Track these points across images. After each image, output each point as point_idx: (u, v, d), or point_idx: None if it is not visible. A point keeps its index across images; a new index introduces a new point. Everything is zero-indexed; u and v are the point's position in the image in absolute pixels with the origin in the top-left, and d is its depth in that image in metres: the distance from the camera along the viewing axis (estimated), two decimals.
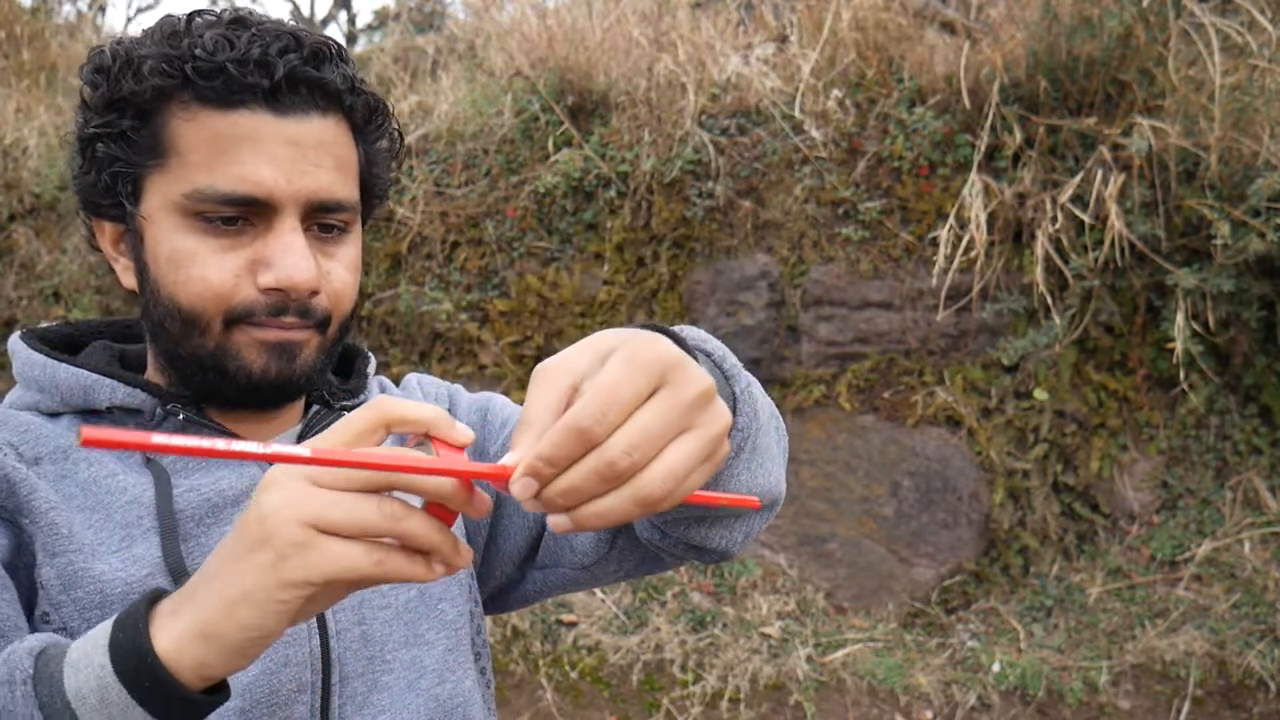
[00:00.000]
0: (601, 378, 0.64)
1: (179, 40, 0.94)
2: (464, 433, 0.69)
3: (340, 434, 0.69)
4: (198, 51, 0.92)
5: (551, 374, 0.67)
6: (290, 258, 0.93)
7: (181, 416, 0.98)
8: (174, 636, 0.68)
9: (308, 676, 0.94)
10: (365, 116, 1.00)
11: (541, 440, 0.63)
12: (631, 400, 0.64)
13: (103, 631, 0.72)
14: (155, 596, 0.72)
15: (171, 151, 0.94)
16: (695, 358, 0.79)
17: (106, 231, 1.02)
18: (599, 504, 0.64)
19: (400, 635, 1.00)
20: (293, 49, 0.93)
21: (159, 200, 0.95)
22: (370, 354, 1.15)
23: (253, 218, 0.94)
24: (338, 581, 0.67)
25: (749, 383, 0.85)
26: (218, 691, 0.72)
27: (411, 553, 0.68)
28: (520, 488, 0.64)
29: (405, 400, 0.69)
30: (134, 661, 0.69)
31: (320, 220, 0.97)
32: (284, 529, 0.65)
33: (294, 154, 0.93)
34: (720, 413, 0.68)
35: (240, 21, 0.95)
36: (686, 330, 0.85)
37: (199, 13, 0.96)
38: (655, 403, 0.65)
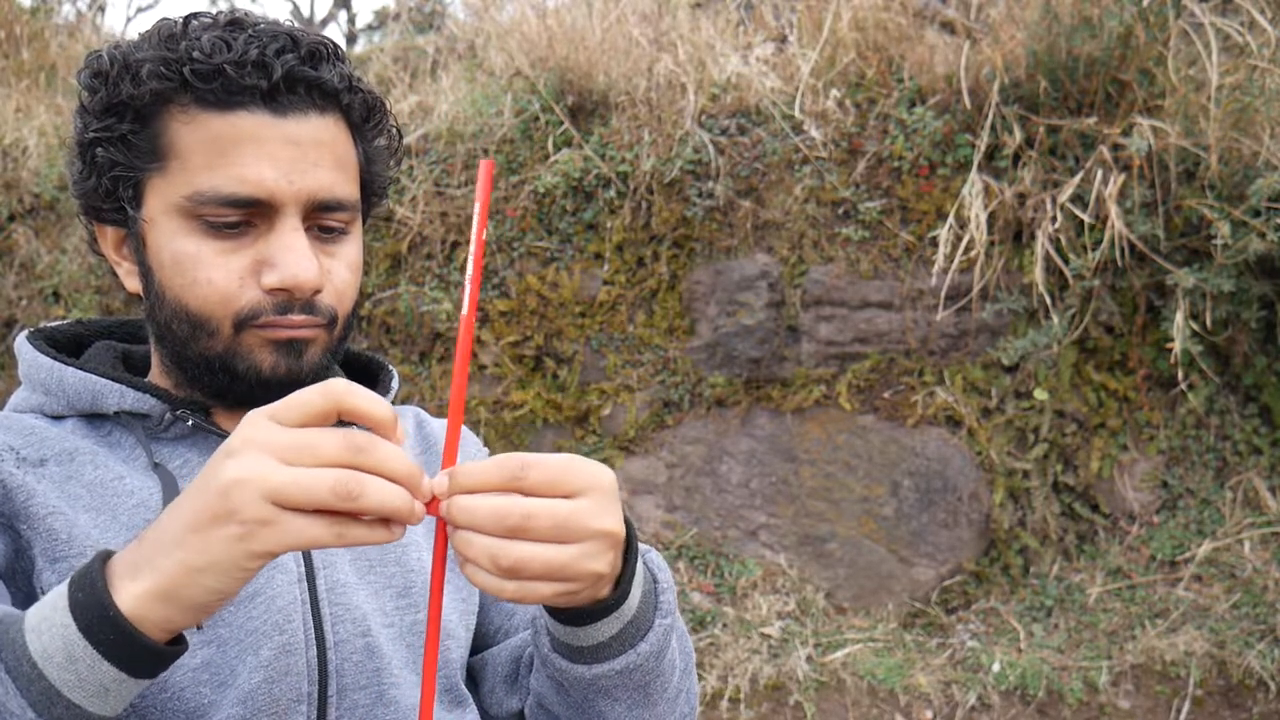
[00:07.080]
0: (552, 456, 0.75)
1: (176, 43, 0.94)
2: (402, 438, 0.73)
3: (292, 411, 0.71)
4: (195, 54, 0.92)
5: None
6: (293, 256, 0.93)
7: (190, 423, 0.99)
8: (136, 596, 0.70)
9: (305, 687, 0.94)
10: (363, 115, 1.01)
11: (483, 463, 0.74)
12: (560, 478, 0.74)
13: (59, 594, 0.73)
14: (105, 556, 0.74)
15: (172, 154, 0.94)
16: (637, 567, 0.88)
17: (108, 236, 1.02)
18: (476, 542, 0.72)
19: (403, 657, 1.00)
20: (290, 49, 0.94)
21: (160, 203, 0.95)
22: (395, 370, 1.14)
23: (254, 219, 0.94)
24: (300, 549, 0.71)
25: (672, 629, 0.92)
26: (178, 642, 0.75)
27: (373, 522, 0.71)
28: (433, 484, 0.73)
29: (362, 390, 0.72)
30: (98, 620, 0.71)
31: (320, 221, 0.97)
32: (249, 506, 0.67)
33: (294, 154, 0.93)
34: (604, 557, 0.77)
35: (237, 23, 0.95)
36: (651, 553, 0.94)
37: (196, 15, 0.96)
38: (573, 501, 0.75)
